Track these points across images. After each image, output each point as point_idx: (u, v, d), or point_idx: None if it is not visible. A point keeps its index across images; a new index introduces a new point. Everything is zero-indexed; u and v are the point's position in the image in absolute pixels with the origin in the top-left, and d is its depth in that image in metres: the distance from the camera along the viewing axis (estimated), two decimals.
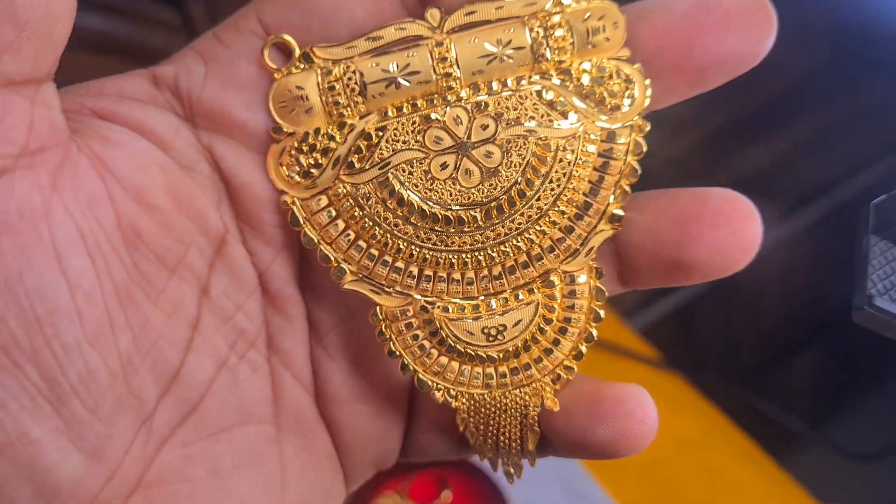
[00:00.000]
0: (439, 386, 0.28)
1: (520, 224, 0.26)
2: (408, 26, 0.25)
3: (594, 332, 0.28)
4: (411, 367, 0.28)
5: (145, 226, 0.24)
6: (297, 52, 0.25)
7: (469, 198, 0.26)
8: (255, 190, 0.26)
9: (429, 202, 0.26)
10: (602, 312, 0.28)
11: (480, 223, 0.26)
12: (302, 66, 0.25)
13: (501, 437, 0.29)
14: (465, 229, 0.26)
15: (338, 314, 0.29)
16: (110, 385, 0.24)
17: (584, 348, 0.28)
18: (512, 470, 0.30)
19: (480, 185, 0.26)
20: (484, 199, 0.26)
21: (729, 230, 0.25)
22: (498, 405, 0.28)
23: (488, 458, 0.29)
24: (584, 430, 0.27)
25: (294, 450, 0.29)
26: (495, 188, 0.26)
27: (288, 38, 0.25)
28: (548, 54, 0.25)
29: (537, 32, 0.25)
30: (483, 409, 0.28)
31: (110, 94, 0.25)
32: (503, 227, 0.26)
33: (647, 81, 0.26)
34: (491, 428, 0.28)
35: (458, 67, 0.25)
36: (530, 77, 0.26)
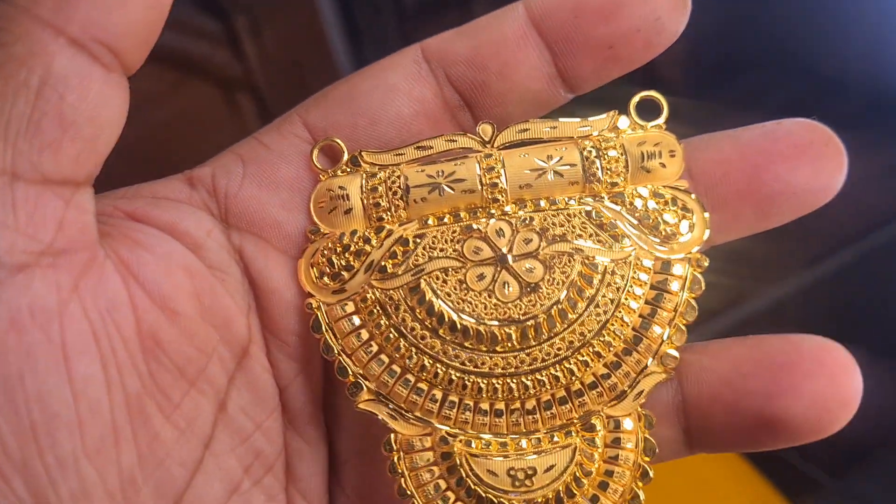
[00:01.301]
0: None
1: (559, 350, 0.24)
2: (459, 138, 0.25)
3: (641, 496, 0.24)
4: None
5: (167, 334, 0.23)
6: (346, 155, 0.25)
7: (505, 313, 0.24)
8: (285, 296, 0.25)
9: (461, 313, 0.24)
10: (651, 471, 0.24)
11: (515, 343, 0.23)
12: (349, 169, 0.25)
13: None
14: (498, 349, 0.24)
15: (356, 444, 0.26)
16: None
17: None
18: None
19: (518, 301, 0.24)
20: (521, 316, 0.23)
21: (827, 381, 0.22)
22: None
23: None
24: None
25: None
26: (534, 305, 0.24)
27: (338, 140, 0.25)
28: (600, 174, 0.24)
29: (590, 152, 0.24)
30: None
31: (145, 196, 0.25)
32: (541, 351, 0.24)
33: (707, 214, 0.24)
34: None
35: (506, 179, 0.24)
36: (581, 198, 0.24)
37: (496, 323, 0.24)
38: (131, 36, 0.21)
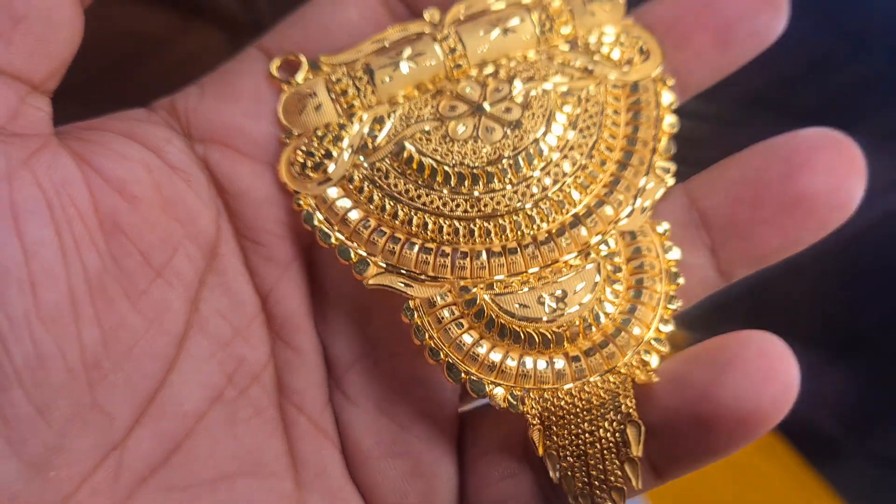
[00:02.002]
0: (498, 388, 0.22)
1: (556, 177, 0.23)
2: (409, 25, 0.25)
3: (676, 298, 0.23)
4: (458, 367, 0.22)
5: (126, 218, 0.22)
6: (305, 63, 0.25)
7: (495, 152, 0.23)
8: (254, 195, 0.24)
9: (451, 164, 0.23)
10: (680, 274, 0.23)
11: (512, 177, 0.23)
12: (310, 76, 0.25)
13: (591, 451, 0.21)
14: (496, 187, 0.23)
15: (357, 348, 0.24)
16: (66, 384, 0.20)
17: (668, 317, 0.22)
18: (613, 501, 0.22)
19: (504, 139, 0.23)
20: (511, 152, 0.23)
21: (836, 152, 0.23)
22: (579, 405, 0.22)
23: (578, 493, 0.22)
24: (710, 388, 0.21)
25: None
26: (521, 139, 0.23)
27: (295, 54, 0.25)
28: (551, 26, 0.25)
29: (537, 10, 0.25)
30: (561, 413, 0.22)
31: (101, 120, 0.24)
32: (538, 181, 0.23)
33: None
34: (576, 439, 0.22)
35: (464, 45, 0.25)
36: (538, 50, 0.25)
37: (488, 164, 0.23)
38: None
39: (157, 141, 0.24)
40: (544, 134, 0.23)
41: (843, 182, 0.22)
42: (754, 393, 0.20)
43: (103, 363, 0.20)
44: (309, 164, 0.24)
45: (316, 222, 0.24)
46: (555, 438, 0.22)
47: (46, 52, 0.21)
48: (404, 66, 0.25)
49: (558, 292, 0.22)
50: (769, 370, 0.20)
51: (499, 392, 0.22)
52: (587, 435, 0.22)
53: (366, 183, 0.24)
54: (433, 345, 0.22)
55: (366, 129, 0.24)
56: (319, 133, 0.24)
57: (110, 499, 0.20)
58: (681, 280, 0.23)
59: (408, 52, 0.25)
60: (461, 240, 0.23)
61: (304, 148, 0.24)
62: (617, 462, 0.21)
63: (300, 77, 0.25)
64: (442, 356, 0.22)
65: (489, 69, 0.25)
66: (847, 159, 0.23)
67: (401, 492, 0.23)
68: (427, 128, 0.24)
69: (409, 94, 0.25)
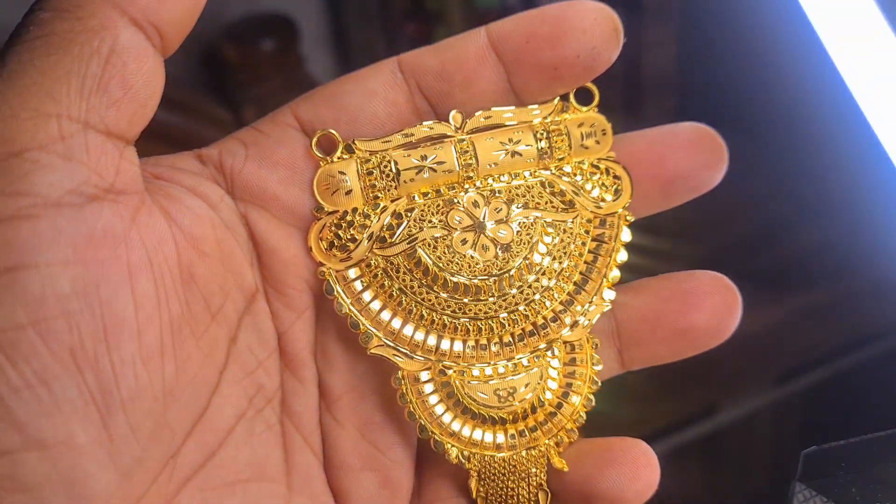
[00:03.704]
0: (454, 448, 0.30)
1: (527, 295, 0.30)
2: (435, 126, 0.30)
3: (592, 399, 0.31)
4: (429, 430, 0.30)
5: (198, 270, 0.27)
6: (342, 144, 0.29)
7: (485, 269, 0.30)
8: (283, 255, 0.30)
9: (451, 273, 0.30)
10: (599, 381, 0.31)
11: (494, 292, 0.30)
12: (345, 155, 0.30)
13: (511, 500, 0.31)
14: (481, 298, 0.30)
15: (347, 382, 0.31)
16: (152, 410, 0.26)
17: (583, 413, 0.31)
18: None
19: (495, 259, 0.30)
20: (497, 271, 0.30)
21: (720, 298, 0.31)
22: (508, 467, 0.31)
23: None
24: (595, 477, 0.30)
25: None
26: (507, 262, 0.30)
27: (334, 132, 0.29)
28: (550, 153, 0.31)
29: (542, 134, 0.30)
30: (494, 471, 0.31)
31: (165, 165, 0.29)
32: (513, 297, 0.30)
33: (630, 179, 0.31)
34: (501, 490, 0.31)
35: (477, 160, 0.30)
36: (535, 171, 0.31)
37: (478, 278, 0.30)
38: (175, 24, 0.26)
39: (215, 199, 0.29)
40: (525, 261, 0.30)
41: (722, 321, 0.31)
42: (623, 487, 0.30)
43: (175, 390, 0.26)
44: (335, 243, 0.29)
45: (335, 293, 0.30)
46: (486, 488, 0.31)
47: (144, 112, 0.26)
48: (426, 172, 0.30)
49: (509, 388, 0.30)
50: (635, 474, 0.30)
51: (453, 451, 0.30)
52: (510, 490, 0.31)
53: (380, 271, 0.30)
54: (411, 409, 0.30)
55: (385, 221, 0.30)
56: (348, 218, 0.30)
57: (165, 497, 0.27)
58: (598, 385, 0.31)
59: (431, 157, 0.30)
60: (447, 333, 0.30)
61: (333, 229, 0.29)
62: None
63: (335, 156, 0.29)
64: (417, 418, 0.30)
65: (494, 184, 0.30)
66: (728, 303, 0.31)
67: (372, 498, 0.31)
68: (436, 234, 0.30)
69: (425, 190, 0.30)
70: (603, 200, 0.31)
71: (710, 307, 0.31)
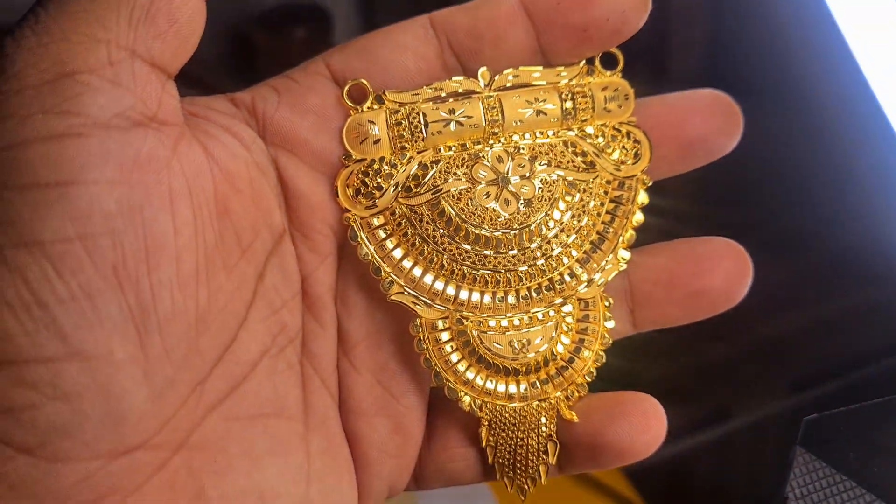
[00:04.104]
0: (467, 396, 0.31)
1: (546, 251, 0.31)
2: (464, 82, 0.31)
3: (603, 355, 0.32)
4: (444, 377, 0.31)
5: (233, 204, 0.28)
6: (372, 94, 0.30)
7: (506, 223, 0.31)
8: (311, 199, 0.30)
9: (472, 224, 0.30)
10: (610, 339, 0.32)
11: (514, 246, 0.31)
12: (374, 106, 0.30)
13: (520, 451, 0.32)
14: (501, 251, 0.31)
15: (365, 328, 0.32)
16: (185, 334, 0.26)
17: (594, 369, 0.32)
18: (527, 485, 0.32)
19: (516, 214, 0.31)
20: (518, 226, 0.31)
21: (732, 262, 0.32)
22: (519, 418, 0.31)
23: (505, 475, 0.32)
24: (603, 429, 0.31)
25: (318, 450, 0.31)
26: (528, 217, 0.31)
27: (365, 82, 0.30)
28: (574, 114, 0.31)
29: (567, 95, 0.31)
30: (505, 421, 0.31)
31: (200, 104, 0.30)
32: (532, 252, 0.31)
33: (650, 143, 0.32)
34: (511, 441, 0.32)
35: (503, 116, 0.31)
36: (559, 131, 0.31)
37: (499, 231, 0.31)
38: None
39: (248, 140, 0.30)
40: (546, 216, 0.31)
41: (734, 285, 0.32)
42: (632, 438, 0.31)
43: (206, 318, 0.27)
44: (362, 190, 0.30)
45: (359, 240, 0.30)
46: (497, 436, 0.31)
47: (186, 48, 0.27)
48: (453, 125, 0.31)
49: (524, 340, 0.31)
50: (645, 426, 0.31)
51: (466, 399, 0.31)
52: (520, 440, 0.31)
53: (404, 219, 0.31)
54: (427, 356, 0.31)
55: (412, 171, 0.31)
56: (375, 167, 0.30)
57: (191, 421, 0.27)
58: (609, 342, 0.32)
59: (459, 111, 0.31)
60: (466, 283, 0.31)
61: (360, 176, 0.30)
62: (535, 462, 0.32)
63: (365, 105, 0.30)
64: (433, 365, 0.31)
65: (519, 141, 0.31)
66: (740, 267, 0.32)
67: (384, 442, 0.32)
68: (460, 187, 0.30)
69: (451, 143, 0.31)
70: (623, 163, 0.32)
71: (723, 271, 0.31)
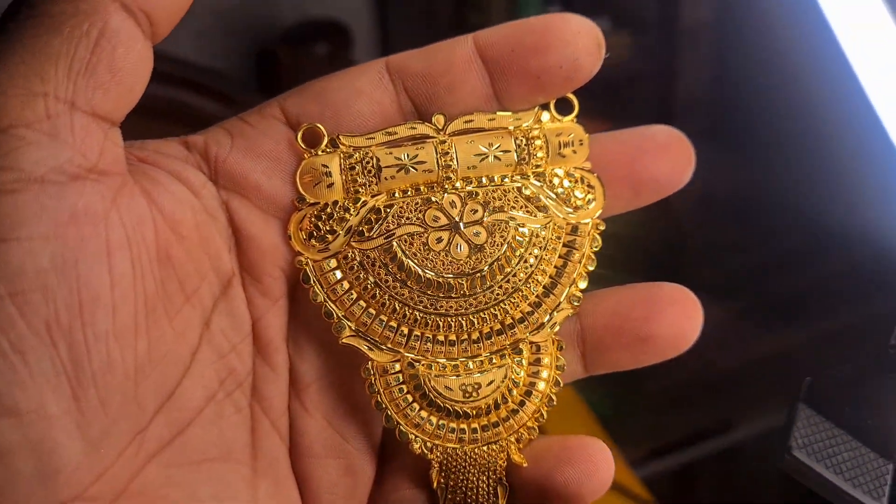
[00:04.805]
0: (418, 439, 0.31)
1: (497, 295, 0.31)
2: (418, 126, 0.31)
3: (554, 398, 0.32)
4: (394, 420, 0.31)
5: (176, 252, 0.29)
6: (326, 138, 0.31)
7: (458, 268, 0.31)
8: (262, 243, 0.31)
9: (424, 269, 0.31)
10: (561, 381, 0.32)
11: (465, 291, 0.31)
12: (329, 150, 0.31)
13: (470, 493, 0.32)
14: (453, 295, 0.31)
15: (317, 371, 0.32)
16: (122, 384, 0.27)
17: (545, 412, 0.32)
18: None
19: (468, 259, 0.31)
20: (470, 271, 0.31)
21: (681, 310, 0.32)
22: (469, 460, 0.32)
23: None
24: (552, 473, 0.31)
25: (266, 493, 0.31)
26: (480, 262, 0.31)
27: (320, 126, 0.31)
28: (528, 158, 0.31)
29: (521, 141, 0.31)
30: (455, 463, 0.31)
31: (150, 149, 0.30)
32: (484, 296, 0.31)
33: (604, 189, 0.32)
34: (461, 483, 0.32)
35: (457, 161, 0.31)
36: (512, 176, 0.32)
37: (451, 276, 0.31)
38: (165, 11, 0.27)
39: (197, 185, 0.30)
40: (498, 262, 0.31)
41: (683, 330, 0.32)
42: (579, 484, 0.31)
43: (146, 367, 0.27)
44: (315, 234, 0.31)
45: (311, 283, 0.31)
46: (448, 479, 0.32)
47: (130, 97, 0.27)
48: (407, 170, 0.31)
49: (475, 384, 0.31)
50: (592, 471, 0.31)
51: (417, 441, 0.31)
52: (470, 483, 0.32)
53: (356, 263, 0.31)
54: (378, 399, 0.31)
55: (365, 215, 0.31)
56: (328, 211, 0.31)
57: (130, 470, 0.27)
58: (560, 385, 0.32)
59: (413, 156, 0.31)
60: (417, 327, 0.31)
61: (312, 220, 0.31)
62: (486, 498, 0.32)
63: (319, 149, 0.31)
64: (384, 408, 0.31)
65: (472, 185, 0.31)
66: (690, 313, 0.32)
67: (334, 484, 0.32)
68: (413, 231, 0.31)
69: (404, 188, 0.31)
70: (576, 208, 0.32)
71: (671, 317, 0.31)
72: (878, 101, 0.49)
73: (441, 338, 0.31)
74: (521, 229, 0.31)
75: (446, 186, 0.31)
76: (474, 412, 0.31)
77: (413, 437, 0.31)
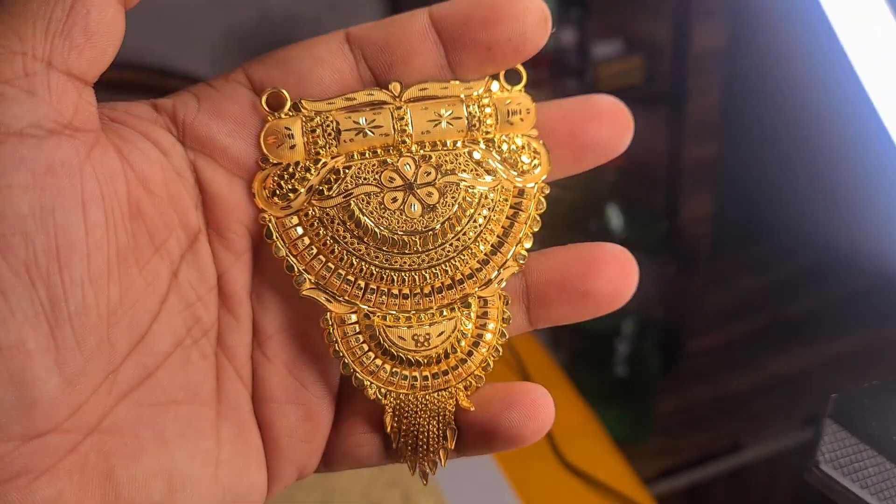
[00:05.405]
0: (372, 385, 0.34)
1: (448, 252, 0.33)
2: (375, 93, 0.33)
3: (500, 349, 0.34)
4: (351, 367, 0.33)
5: (146, 206, 0.31)
6: (289, 102, 0.33)
7: (412, 226, 0.33)
8: (227, 201, 0.33)
9: (380, 227, 0.33)
10: (507, 333, 0.34)
11: (418, 248, 0.33)
12: (291, 113, 0.33)
13: (421, 436, 0.34)
14: (406, 252, 0.33)
15: (279, 322, 0.34)
16: (96, 326, 0.29)
17: (491, 361, 0.34)
18: (427, 470, 0.35)
19: (421, 217, 0.33)
20: (423, 229, 0.33)
21: (618, 269, 0.34)
22: (420, 405, 0.34)
23: (407, 458, 0.34)
24: (497, 417, 0.33)
25: (229, 436, 0.33)
26: (432, 220, 0.33)
27: (283, 91, 0.33)
28: (478, 126, 0.34)
29: (472, 108, 0.34)
30: (407, 408, 0.34)
31: (121, 109, 0.32)
32: (435, 253, 0.33)
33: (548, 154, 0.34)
34: (413, 427, 0.34)
35: (412, 126, 0.33)
36: (464, 142, 0.34)
37: (405, 233, 0.33)
38: None
39: (166, 146, 0.32)
40: (448, 220, 0.33)
41: (620, 287, 0.34)
42: (521, 426, 0.33)
43: (118, 312, 0.30)
44: (277, 192, 0.33)
45: (274, 238, 0.33)
46: (400, 423, 0.34)
47: (104, 58, 0.29)
48: (364, 134, 0.33)
49: (426, 334, 0.34)
50: (534, 414, 0.33)
51: (372, 387, 0.33)
52: (421, 427, 0.34)
53: (316, 220, 0.33)
54: (336, 348, 0.33)
55: (325, 175, 0.33)
56: (290, 171, 0.33)
57: (103, 408, 0.29)
58: (506, 337, 0.34)
59: (371, 121, 0.33)
60: (373, 281, 0.33)
61: (276, 179, 0.33)
62: (435, 447, 0.34)
63: (282, 113, 0.33)
64: (341, 356, 0.33)
65: (425, 150, 0.33)
66: (626, 271, 0.35)
67: (294, 429, 0.34)
68: (369, 191, 0.33)
69: (362, 150, 0.33)
70: (522, 172, 0.34)
71: (609, 274, 0.34)
72: (891, 123, 0.51)
73: (395, 291, 0.33)
74: (471, 191, 0.34)
75: (402, 150, 0.33)
76: (425, 360, 0.34)
77: (368, 383, 0.33)
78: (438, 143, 0.34)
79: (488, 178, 0.34)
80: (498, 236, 0.34)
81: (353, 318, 0.33)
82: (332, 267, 0.33)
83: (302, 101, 0.33)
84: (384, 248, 0.33)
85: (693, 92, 1.46)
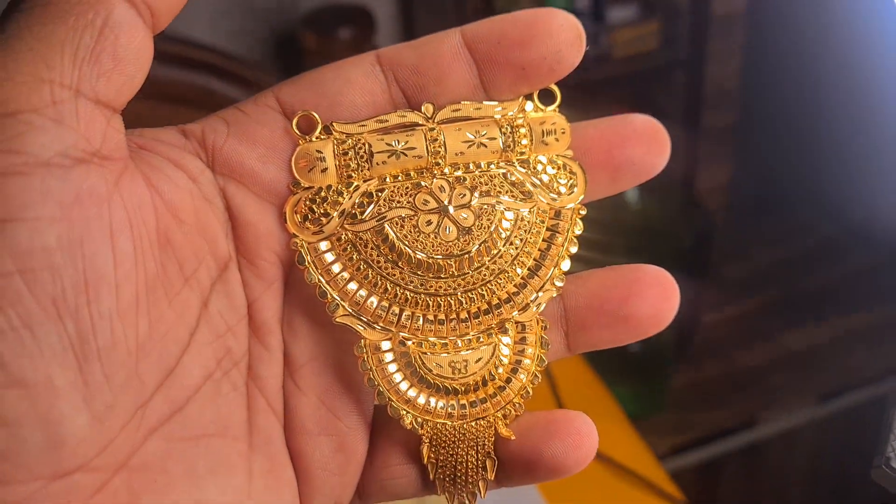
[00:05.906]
0: (409, 414, 0.33)
1: (484, 276, 0.33)
2: (408, 115, 0.32)
3: (539, 375, 0.33)
4: (386, 395, 0.32)
5: (175, 236, 0.30)
6: (320, 125, 0.32)
7: (447, 249, 0.32)
8: (257, 228, 0.32)
9: (415, 250, 0.32)
10: (546, 359, 0.33)
11: (454, 271, 0.32)
12: (322, 136, 0.32)
13: (459, 467, 0.33)
14: (442, 276, 0.32)
15: (311, 351, 0.33)
16: (125, 361, 0.28)
17: (531, 389, 0.33)
18: (466, 501, 0.34)
19: (457, 240, 0.32)
20: (458, 252, 0.32)
21: (660, 290, 0.34)
22: (458, 435, 0.33)
23: (446, 490, 0.34)
24: (539, 447, 0.32)
25: (261, 470, 0.32)
26: (468, 243, 0.32)
27: (314, 114, 0.32)
28: (513, 146, 0.33)
29: (506, 129, 0.33)
30: (445, 438, 0.33)
31: (149, 137, 0.31)
32: (471, 276, 0.32)
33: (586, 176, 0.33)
34: (451, 457, 0.33)
35: (445, 148, 0.32)
36: (498, 163, 0.33)
37: (440, 257, 0.32)
38: (166, 2, 0.28)
39: (195, 172, 0.31)
40: (485, 244, 0.32)
41: (661, 311, 0.34)
42: (565, 456, 0.32)
43: (147, 345, 0.29)
44: (309, 216, 0.32)
45: (306, 263, 0.32)
46: (438, 453, 0.33)
47: (132, 85, 0.28)
48: (397, 156, 0.32)
49: (463, 361, 0.33)
50: (578, 444, 0.32)
51: (408, 417, 0.33)
52: (459, 457, 0.33)
53: (349, 245, 0.32)
54: (371, 376, 0.32)
55: (357, 199, 0.32)
56: (322, 195, 0.32)
57: (132, 444, 0.28)
58: (545, 363, 0.33)
59: (403, 143, 0.32)
60: (408, 306, 0.32)
61: (307, 203, 0.32)
62: (474, 478, 0.33)
63: (313, 136, 0.32)
64: (376, 384, 0.32)
65: (459, 172, 0.33)
66: (667, 294, 0.34)
67: (327, 461, 0.33)
68: (403, 214, 0.32)
69: (395, 173, 0.32)
70: (559, 194, 0.33)
71: (650, 297, 0.33)
72: None
73: (431, 317, 0.33)
74: (507, 213, 0.33)
75: (435, 172, 0.33)
76: (463, 388, 0.33)
77: (404, 412, 0.33)
78: (473, 164, 0.33)
79: (525, 200, 0.33)
80: (535, 259, 0.33)
81: (388, 345, 0.33)
82: (367, 293, 0.32)
83: (333, 124, 0.32)
84: (419, 273, 0.32)
85: (712, 57, 1.44)
